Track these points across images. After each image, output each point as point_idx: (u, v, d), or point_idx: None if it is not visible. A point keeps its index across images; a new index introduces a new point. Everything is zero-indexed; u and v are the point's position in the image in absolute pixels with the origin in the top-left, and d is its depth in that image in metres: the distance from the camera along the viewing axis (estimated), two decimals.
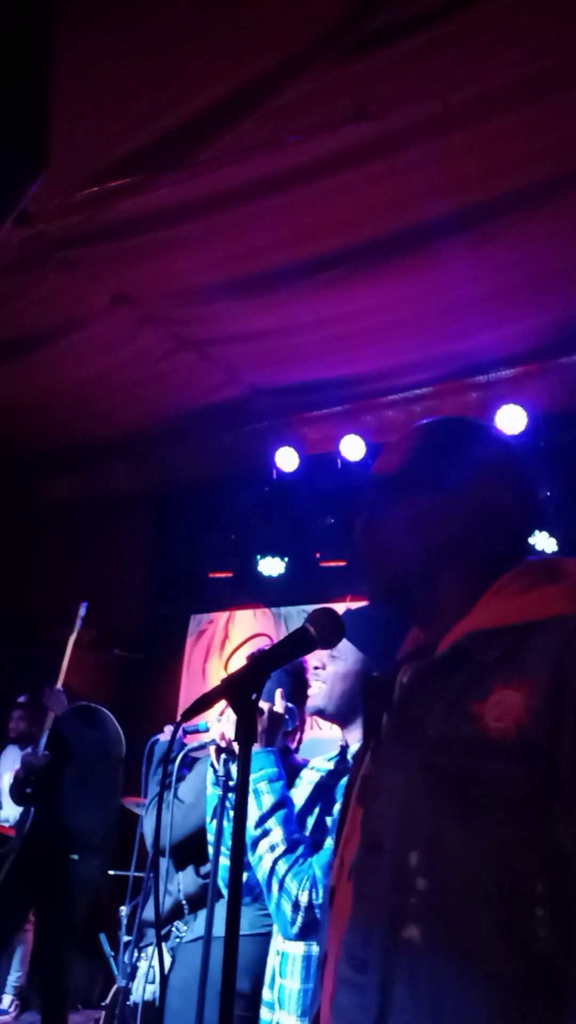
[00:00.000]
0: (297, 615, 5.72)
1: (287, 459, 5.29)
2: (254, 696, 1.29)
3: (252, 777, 1.89)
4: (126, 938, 3.88)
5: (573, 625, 1.06)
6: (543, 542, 4.45)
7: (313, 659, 2.06)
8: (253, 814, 1.87)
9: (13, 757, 4.99)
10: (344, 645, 1.92)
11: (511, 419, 4.41)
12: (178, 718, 1.46)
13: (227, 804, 2.05)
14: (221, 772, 2.07)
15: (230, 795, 2.03)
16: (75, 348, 4.51)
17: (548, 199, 3.27)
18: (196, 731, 2.27)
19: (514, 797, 1.00)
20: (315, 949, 1.87)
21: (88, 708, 4.60)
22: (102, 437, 5.66)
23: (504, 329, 4.18)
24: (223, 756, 2.07)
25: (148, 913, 2.95)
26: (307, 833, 1.92)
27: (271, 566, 5.66)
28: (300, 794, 2.05)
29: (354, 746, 1.97)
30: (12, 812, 4.75)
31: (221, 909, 1.49)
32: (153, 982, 2.92)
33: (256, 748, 1.94)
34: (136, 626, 6.55)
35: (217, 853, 2.02)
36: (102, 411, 5.29)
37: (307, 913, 1.78)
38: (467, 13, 2.49)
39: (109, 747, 4.53)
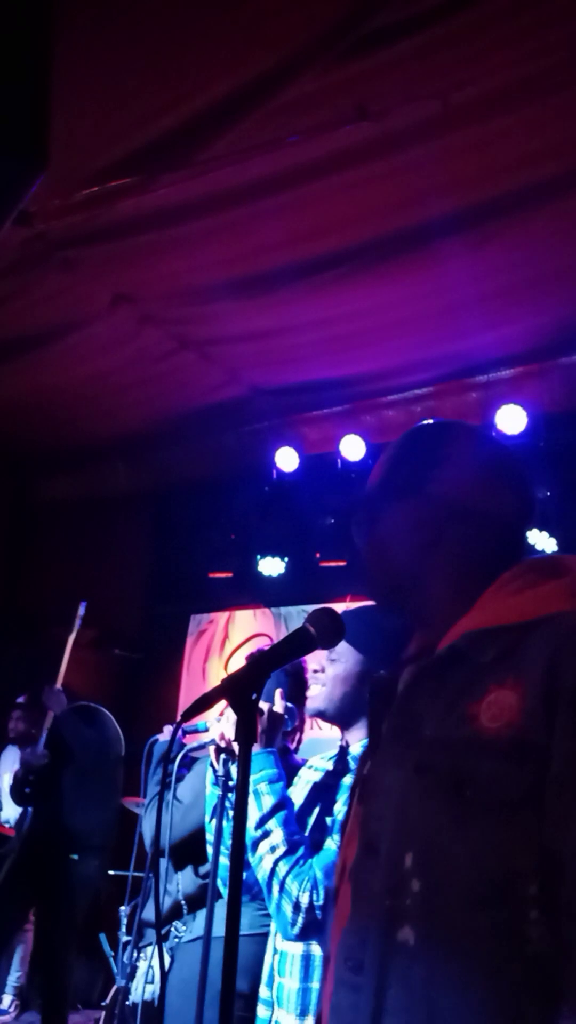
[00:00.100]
0: (297, 615, 5.72)
1: (287, 459, 5.28)
2: (254, 696, 1.30)
3: (252, 778, 1.89)
4: (126, 938, 3.88)
5: (569, 623, 1.05)
6: (543, 542, 4.44)
7: (312, 662, 2.07)
8: (253, 815, 1.87)
9: (13, 757, 4.99)
10: (343, 647, 1.92)
11: (511, 419, 4.41)
12: (178, 718, 1.46)
13: (227, 804, 2.05)
14: (221, 772, 2.07)
15: (230, 795, 2.03)
16: (75, 348, 4.51)
17: (548, 199, 3.27)
18: (195, 731, 2.27)
19: (507, 798, 0.99)
20: (314, 948, 1.88)
21: (88, 708, 4.60)
22: (102, 437, 5.66)
23: (504, 329, 4.18)
24: (223, 756, 2.07)
25: (148, 913, 2.95)
26: (306, 833, 1.92)
27: (271, 566, 5.65)
28: (298, 793, 2.05)
29: (354, 746, 1.98)
30: (12, 812, 4.75)
31: (220, 909, 1.49)
32: (152, 982, 2.92)
33: (256, 749, 1.94)
34: (136, 626, 6.55)
35: (217, 853, 2.02)
36: (102, 411, 5.29)
37: (308, 914, 1.77)
38: (467, 13, 2.48)
39: (109, 747, 4.53)
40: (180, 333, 4.46)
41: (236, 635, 6.08)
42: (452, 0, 2.46)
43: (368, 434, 5.02)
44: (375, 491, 1.29)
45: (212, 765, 2.12)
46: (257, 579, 5.73)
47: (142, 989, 2.93)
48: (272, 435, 5.39)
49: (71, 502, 6.21)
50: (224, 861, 2.03)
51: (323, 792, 2.00)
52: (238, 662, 3.77)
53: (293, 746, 2.54)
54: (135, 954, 3.08)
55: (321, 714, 2.00)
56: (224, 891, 1.96)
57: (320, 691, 1.99)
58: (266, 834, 1.86)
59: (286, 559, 5.64)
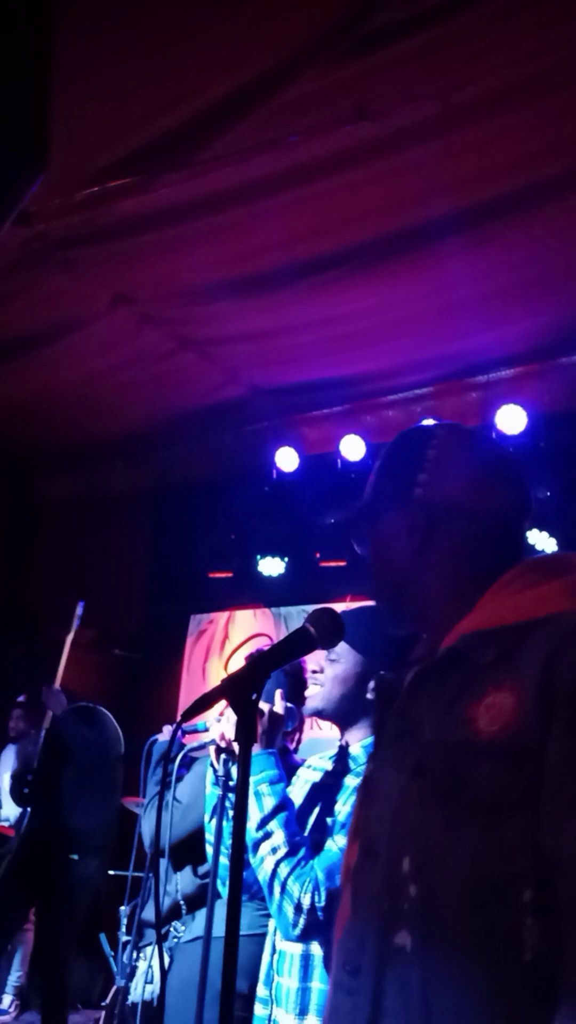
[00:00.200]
0: (297, 615, 5.72)
1: (287, 459, 5.28)
2: (254, 696, 1.29)
3: (253, 779, 1.89)
4: (126, 938, 3.89)
5: (567, 623, 1.04)
6: (543, 542, 4.44)
7: (311, 662, 2.07)
8: (254, 816, 1.87)
9: (13, 757, 4.99)
10: (343, 647, 1.92)
11: (511, 419, 4.41)
12: (178, 718, 1.46)
13: (227, 804, 2.05)
14: (221, 772, 2.07)
15: (230, 795, 2.03)
16: (75, 348, 4.51)
17: (548, 199, 3.27)
18: (195, 731, 2.27)
19: (503, 801, 0.98)
20: (314, 948, 1.88)
21: (87, 708, 4.59)
22: (102, 437, 5.65)
23: (504, 329, 4.18)
24: (223, 756, 2.07)
25: (147, 913, 2.95)
26: (305, 833, 1.92)
27: (271, 566, 5.65)
28: (297, 793, 2.05)
29: (354, 746, 1.98)
30: (12, 812, 4.75)
31: (220, 909, 1.49)
32: (151, 982, 2.92)
33: (256, 749, 1.94)
34: (136, 626, 6.55)
35: (217, 853, 2.02)
36: (102, 411, 5.29)
37: (309, 915, 1.77)
38: (467, 13, 2.48)
39: (108, 747, 4.53)
40: (180, 333, 4.45)
41: (236, 635, 6.08)
42: (452, 0, 2.46)
43: (368, 434, 5.02)
44: (368, 502, 1.29)
45: (212, 765, 2.12)
46: (257, 579, 5.73)
47: (142, 989, 2.93)
48: (272, 435, 5.39)
49: (71, 502, 6.21)
50: (224, 861, 2.03)
51: (323, 792, 2.00)
52: (238, 662, 3.77)
53: (292, 746, 2.54)
54: (135, 954, 3.08)
55: (319, 713, 2.00)
56: (223, 891, 1.96)
57: (318, 691, 1.99)
58: (267, 835, 1.86)
59: (286, 559, 5.64)
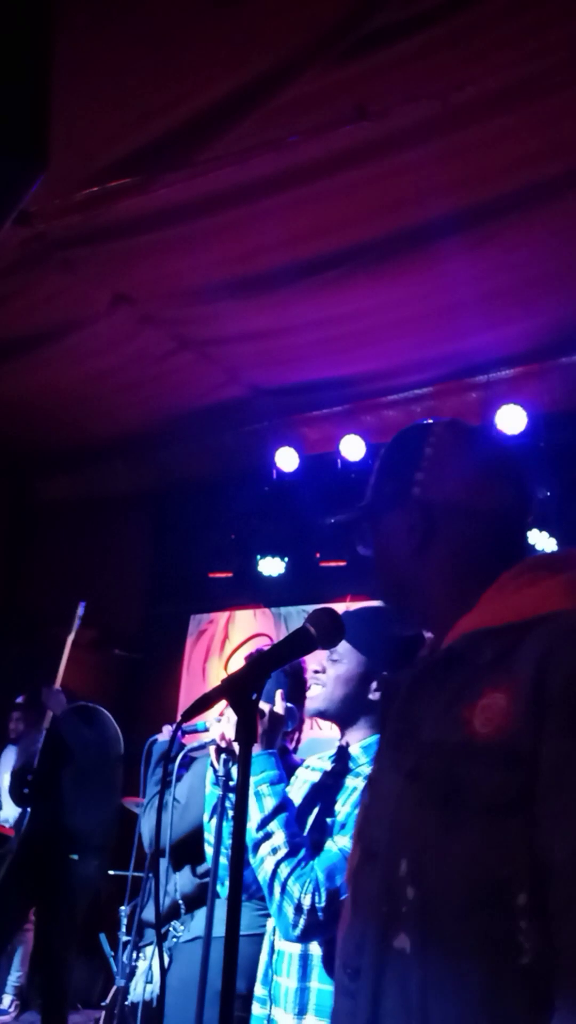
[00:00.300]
0: (297, 615, 5.72)
1: (287, 459, 5.28)
2: (254, 696, 1.29)
3: (253, 779, 1.89)
4: (125, 938, 3.89)
5: (564, 623, 1.03)
6: (543, 542, 4.44)
7: (313, 662, 2.06)
8: (255, 817, 1.87)
9: (13, 757, 4.99)
10: (345, 647, 1.92)
11: (511, 419, 4.41)
12: (178, 718, 1.46)
13: (228, 804, 2.04)
14: (221, 772, 2.07)
15: (231, 795, 2.03)
16: (75, 348, 4.51)
17: (548, 199, 3.27)
18: (195, 731, 2.27)
19: (498, 804, 0.97)
20: (312, 948, 1.88)
21: (87, 708, 4.59)
22: (102, 437, 5.65)
23: (504, 329, 4.18)
24: (223, 756, 2.07)
25: (147, 913, 2.95)
26: (305, 833, 1.92)
27: (271, 566, 5.65)
28: (296, 793, 2.05)
29: (354, 746, 1.98)
30: (12, 812, 4.75)
31: (219, 909, 1.49)
32: (151, 982, 2.92)
33: (256, 750, 1.94)
34: (136, 626, 6.55)
35: (217, 853, 2.02)
36: (102, 411, 5.29)
37: (309, 916, 1.77)
38: (467, 13, 2.48)
39: (108, 747, 4.53)
40: (180, 333, 4.45)
41: (236, 635, 6.08)
42: (452, 0, 2.46)
43: (368, 434, 5.02)
44: (369, 503, 1.29)
45: (212, 765, 2.12)
46: (257, 579, 5.74)
47: (141, 989, 2.93)
48: (272, 435, 5.38)
49: (71, 502, 6.21)
50: (224, 861, 2.03)
51: (322, 792, 2.00)
52: (238, 662, 3.77)
53: (292, 746, 2.54)
54: (135, 954, 3.08)
55: (321, 714, 2.00)
56: (223, 891, 1.96)
57: (320, 691, 1.99)
58: (268, 836, 1.86)
59: (286, 559, 5.64)
